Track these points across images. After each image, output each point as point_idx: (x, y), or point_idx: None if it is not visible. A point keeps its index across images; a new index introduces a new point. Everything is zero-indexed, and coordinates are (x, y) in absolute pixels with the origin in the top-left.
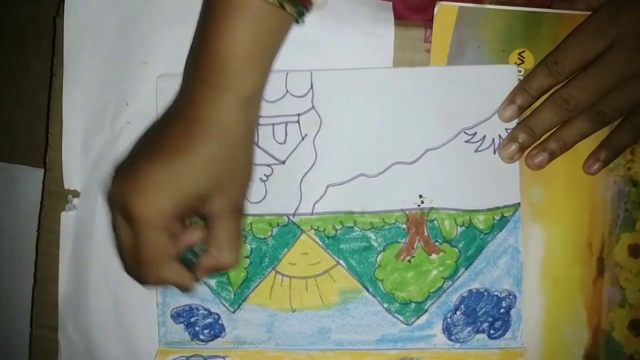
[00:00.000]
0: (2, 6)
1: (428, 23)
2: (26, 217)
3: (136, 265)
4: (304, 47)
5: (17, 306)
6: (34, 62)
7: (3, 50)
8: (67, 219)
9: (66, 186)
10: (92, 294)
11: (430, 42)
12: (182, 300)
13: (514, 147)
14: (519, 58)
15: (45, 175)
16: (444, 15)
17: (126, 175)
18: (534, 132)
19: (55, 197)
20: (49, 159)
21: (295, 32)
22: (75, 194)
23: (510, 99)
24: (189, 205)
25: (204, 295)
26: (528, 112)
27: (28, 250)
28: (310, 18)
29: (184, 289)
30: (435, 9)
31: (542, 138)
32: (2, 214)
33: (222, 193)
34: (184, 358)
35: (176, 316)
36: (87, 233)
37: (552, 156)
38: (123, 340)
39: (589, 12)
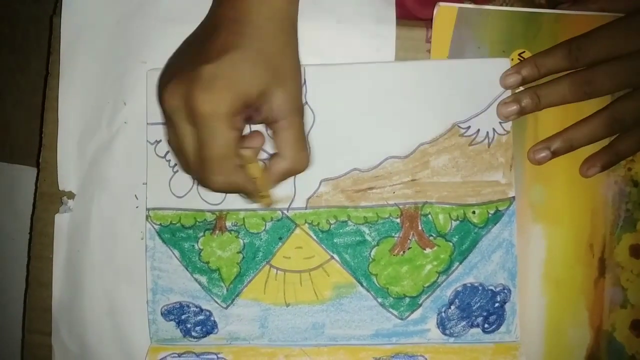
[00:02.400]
0: (2, 6)
1: (429, 23)
2: (26, 218)
3: (202, 166)
4: (303, 46)
5: (15, 310)
6: (34, 62)
7: (3, 50)
8: (62, 221)
9: (61, 187)
10: (87, 298)
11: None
12: (172, 297)
13: (514, 107)
14: (519, 58)
15: (38, 176)
16: (444, 16)
17: (184, 77)
18: (539, 101)
19: (48, 198)
20: (42, 159)
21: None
22: (70, 195)
23: (517, 69)
24: (252, 100)
25: (195, 293)
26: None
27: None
28: (309, 16)
29: (251, 196)
30: (435, 10)
31: (546, 139)
32: (1, 214)
33: (283, 88)
34: (176, 355)
35: (166, 314)
36: (82, 236)
37: (555, 155)
38: (119, 344)
39: (600, 14)
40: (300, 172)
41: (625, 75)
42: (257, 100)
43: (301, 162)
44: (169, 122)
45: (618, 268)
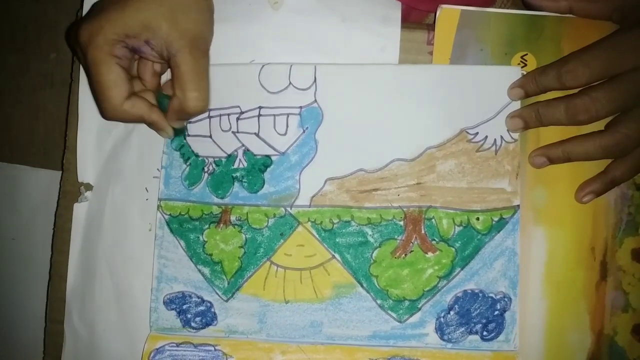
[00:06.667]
0: (2, 6)
1: (431, 25)
2: (26, 217)
3: (97, 96)
4: (309, 44)
5: (16, 304)
6: (34, 62)
7: (3, 50)
8: (79, 210)
9: (80, 179)
10: (97, 284)
11: (433, 44)
12: (176, 286)
13: (519, 122)
14: (521, 61)
15: (62, 176)
16: (446, 18)
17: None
18: (541, 120)
19: (70, 196)
20: (66, 160)
21: (301, 30)
22: (88, 187)
23: (520, 84)
24: (135, 32)
25: (198, 283)
26: None
27: (28, 249)
28: (315, 16)
29: (156, 127)
30: (438, 12)
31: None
32: (2, 214)
33: (174, 23)
34: (175, 344)
35: (169, 302)
36: (96, 224)
37: (552, 163)
38: (123, 330)
39: (601, 21)
40: (191, 114)
41: (620, 99)
42: (143, 33)
43: (190, 102)
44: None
45: (620, 272)
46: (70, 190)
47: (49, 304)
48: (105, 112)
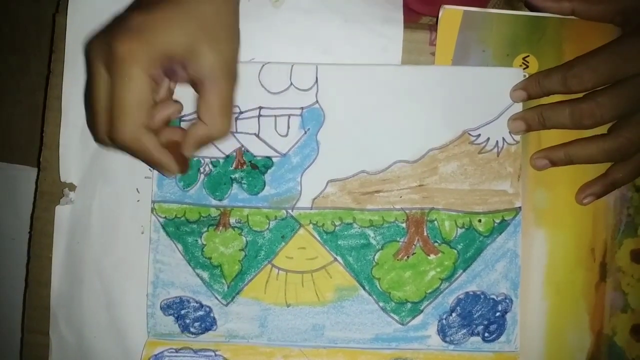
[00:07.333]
0: (2, 6)
1: (433, 26)
2: (26, 217)
3: (113, 114)
4: (311, 44)
5: (14, 309)
6: (34, 62)
7: (3, 50)
8: (62, 213)
9: (62, 179)
10: (85, 291)
11: (435, 45)
12: (173, 291)
13: (521, 124)
14: (523, 62)
15: (38, 175)
16: (449, 18)
17: (113, 24)
18: (544, 123)
19: (48, 197)
20: (43, 159)
21: (303, 29)
22: (72, 187)
23: (523, 86)
24: (177, 54)
25: (196, 288)
26: None
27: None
28: (317, 15)
29: (160, 166)
30: (440, 13)
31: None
32: (2, 214)
33: (214, 48)
34: (173, 350)
35: (166, 308)
36: (82, 228)
37: (554, 165)
38: (116, 337)
39: (603, 23)
40: (218, 139)
41: (625, 104)
42: (184, 56)
43: (220, 128)
44: (88, 72)
45: (619, 273)
46: (49, 191)
47: (26, 313)
48: (119, 132)
